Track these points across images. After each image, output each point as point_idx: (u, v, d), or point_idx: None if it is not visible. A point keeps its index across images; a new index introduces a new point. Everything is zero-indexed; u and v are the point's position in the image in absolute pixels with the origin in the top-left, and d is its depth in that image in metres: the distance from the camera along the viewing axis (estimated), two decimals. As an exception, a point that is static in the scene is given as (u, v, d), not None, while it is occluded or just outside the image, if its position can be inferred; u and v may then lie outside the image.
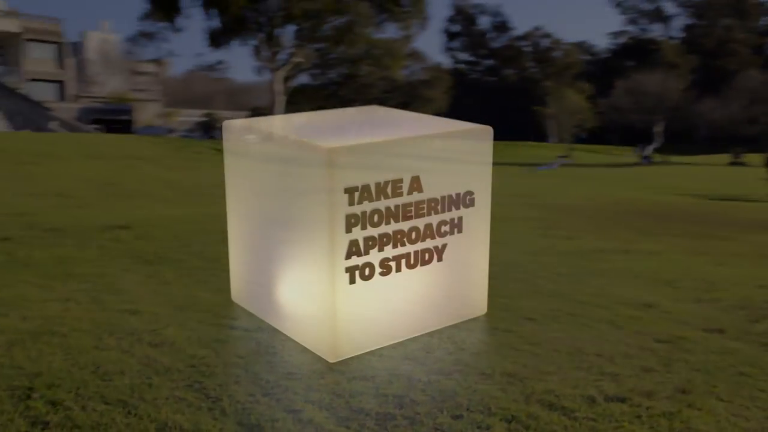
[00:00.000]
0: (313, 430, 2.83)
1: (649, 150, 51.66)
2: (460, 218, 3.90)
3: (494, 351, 3.81)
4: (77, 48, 77.74)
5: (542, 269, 5.88)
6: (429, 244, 3.80)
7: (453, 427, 2.89)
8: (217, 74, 65.92)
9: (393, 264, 3.68)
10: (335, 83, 66.86)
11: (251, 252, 4.12)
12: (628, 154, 52.14)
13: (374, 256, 3.60)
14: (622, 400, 3.19)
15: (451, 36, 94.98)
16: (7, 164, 14.07)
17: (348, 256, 3.50)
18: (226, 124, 4.13)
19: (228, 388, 3.18)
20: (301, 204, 3.55)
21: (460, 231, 3.91)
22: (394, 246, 3.66)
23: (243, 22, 46.64)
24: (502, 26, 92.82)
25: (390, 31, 55.76)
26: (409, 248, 3.73)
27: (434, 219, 3.79)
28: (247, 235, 4.13)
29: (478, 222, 4.00)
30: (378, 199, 3.54)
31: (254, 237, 4.07)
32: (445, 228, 3.85)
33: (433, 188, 3.74)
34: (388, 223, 3.61)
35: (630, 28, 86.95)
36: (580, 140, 66.07)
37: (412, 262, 3.76)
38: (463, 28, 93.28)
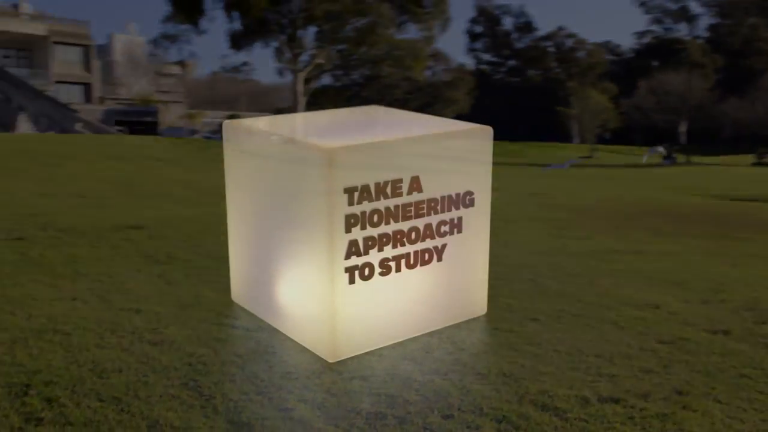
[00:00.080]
0: (301, 428, 2.85)
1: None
2: (460, 218, 3.90)
3: (493, 351, 3.81)
4: (104, 50, 78.26)
5: (551, 270, 5.86)
6: (429, 244, 3.81)
7: (442, 427, 2.90)
8: (242, 76, 66.16)
9: (392, 264, 3.69)
10: (358, 84, 66.93)
11: (251, 252, 4.15)
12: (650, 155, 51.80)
13: (374, 256, 3.61)
14: (617, 401, 3.19)
15: (474, 37, 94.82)
16: (29, 165, 14.20)
17: (347, 256, 3.52)
18: (226, 124, 4.16)
19: (223, 386, 3.20)
20: (301, 204, 3.57)
21: (459, 231, 3.92)
22: (394, 246, 3.68)
23: (264, 24, 46.80)
24: (525, 27, 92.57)
25: (411, 33, 55.76)
26: (409, 248, 3.74)
27: (434, 219, 3.80)
28: (247, 235, 4.16)
29: (477, 222, 4.01)
30: (377, 199, 3.55)
31: (254, 237, 4.09)
32: (444, 228, 3.86)
33: (433, 188, 3.75)
34: (387, 223, 3.62)
35: (655, 27, 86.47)
36: (603, 141, 65.81)
37: (411, 262, 3.77)
38: (486, 28, 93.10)
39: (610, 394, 3.27)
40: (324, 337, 3.58)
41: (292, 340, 3.78)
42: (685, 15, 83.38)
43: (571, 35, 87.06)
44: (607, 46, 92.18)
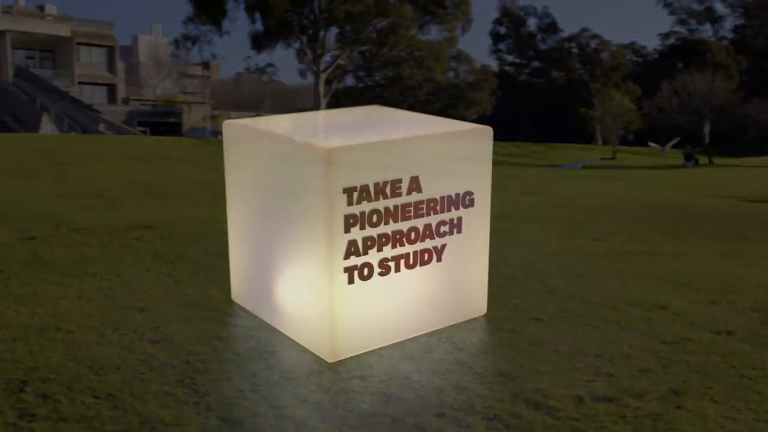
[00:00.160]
0: (292, 426, 2.86)
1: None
2: (460, 218, 3.91)
3: (493, 351, 3.82)
4: (129, 51, 78.83)
5: (561, 270, 5.85)
6: (428, 244, 3.82)
7: (432, 425, 2.90)
8: (266, 77, 66.42)
9: (392, 264, 3.70)
10: (380, 86, 67.05)
11: (251, 251, 4.17)
12: (672, 156, 51.58)
13: (373, 257, 3.62)
14: (610, 401, 3.18)
15: (498, 38, 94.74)
16: (48, 166, 14.32)
17: (347, 257, 3.52)
18: (226, 123, 4.18)
19: (218, 384, 3.23)
20: (300, 204, 3.59)
21: (459, 231, 3.92)
22: (393, 246, 3.68)
23: (286, 25, 46.97)
24: (550, 28, 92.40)
25: (433, 34, 55.81)
26: (408, 248, 3.75)
27: (433, 219, 3.80)
28: (247, 235, 4.18)
29: (477, 222, 4.01)
30: (377, 199, 3.56)
31: (254, 236, 4.11)
32: (444, 228, 3.86)
33: (433, 188, 3.76)
34: (387, 223, 3.62)
35: (679, 28, 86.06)
36: (626, 142, 65.59)
37: (411, 262, 3.77)
38: (510, 30, 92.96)
39: (605, 393, 3.26)
40: (323, 337, 3.59)
41: (292, 340, 3.80)
42: (710, 16, 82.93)
43: (595, 36, 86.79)
44: (632, 48, 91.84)
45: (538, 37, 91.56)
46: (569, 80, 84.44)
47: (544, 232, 8.41)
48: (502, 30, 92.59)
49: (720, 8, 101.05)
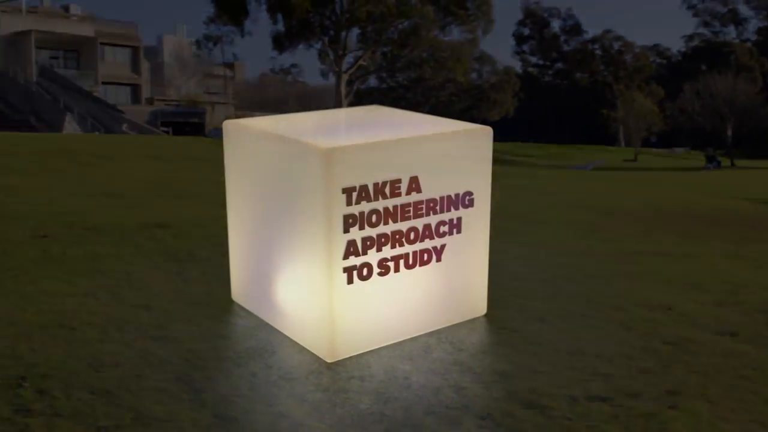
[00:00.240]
0: (287, 423, 2.89)
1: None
2: (459, 219, 3.92)
3: (493, 351, 3.83)
4: (153, 52, 79.20)
5: (570, 271, 5.86)
6: (428, 244, 3.83)
7: (425, 423, 2.92)
8: (291, 78, 66.55)
9: (391, 264, 3.71)
10: (403, 87, 67.05)
11: (250, 251, 4.19)
12: (694, 158, 51.27)
13: (372, 257, 3.63)
14: (605, 400, 3.19)
15: (522, 39, 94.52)
16: (68, 165, 14.42)
17: (346, 257, 3.54)
18: (225, 123, 4.21)
19: (215, 382, 3.26)
20: (299, 204, 3.61)
21: (459, 231, 3.93)
22: (393, 246, 3.70)
23: (308, 25, 47.05)
24: (573, 29, 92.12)
25: (455, 35, 55.79)
26: (408, 249, 3.76)
27: (433, 219, 3.81)
28: (247, 234, 4.20)
29: (477, 223, 4.02)
30: (376, 199, 3.57)
31: (253, 236, 4.13)
32: (444, 228, 3.87)
33: (432, 189, 3.77)
34: (386, 223, 3.64)
35: (703, 30, 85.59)
36: (649, 144, 65.28)
37: (410, 262, 3.78)
38: (534, 31, 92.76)
39: (600, 393, 3.27)
40: (322, 337, 3.60)
41: (291, 340, 3.82)
42: (734, 18, 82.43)
43: (618, 38, 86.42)
44: (656, 50, 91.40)
45: (562, 38, 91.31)
46: (593, 82, 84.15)
47: (559, 233, 8.41)
48: (526, 31, 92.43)
49: (744, 10, 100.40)
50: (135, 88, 68.85)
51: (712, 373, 3.58)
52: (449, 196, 3.85)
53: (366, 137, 3.70)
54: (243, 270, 4.32)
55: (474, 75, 69.38)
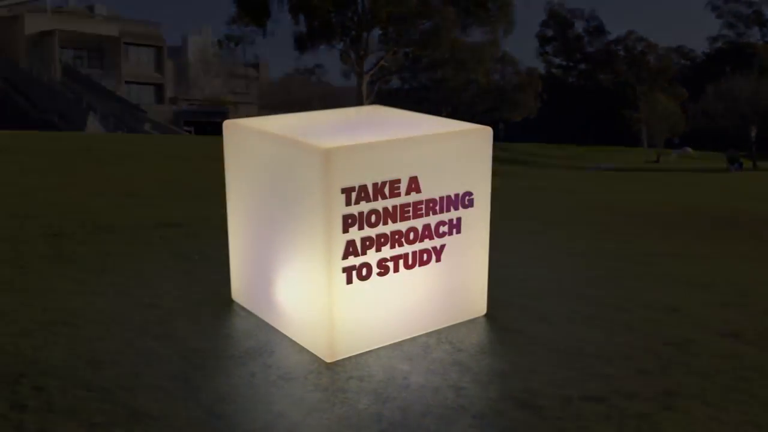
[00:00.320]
0: (283, 422, 2.91)
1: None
2: (459, 219, 3.92)
3: (493, 351, 3.83)
4: (177, 51, 79.60)
5: (580, 272, 5.84)
6: (427, 244, 3.84)
7: (418, 422, 2.94)
8: (315, 78, 66.66)
9: (391, 264, 3.72)
10: (425, 87, 67.03)
11: (250, 251, 4.22)
12: (717, 160, 50.96)
13: (372, 257, 3.64)
14: (599, 401, 3.19)
15: (545, 40, 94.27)
16: (88, 164, 14.50)
17: (345, 257, 3.55)
18: (225, 123, 4.23)
19: (213, 380, 3.28)
20: (299, 204, 3.62)
21: (458, 232, 3.93)
22: (392, 246, 3.71)
23: (329, 26, 47.12)
24: (597, 30, 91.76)
25: (476, 36, 55.71)
26: (407, 249, 3.77)
27: (432, 219, 3.82)
28: (247, 234, 4.23)
29: (477, 223, 4.02)
30: (375, 199, 3.58)
31: (253, 236, 4.15)
32: (443, 229, 3.88)
33: (432, 189, 3.77)
34: (385, 223, 3.65)
35: (727, 32, 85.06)
36: (672, 145, 64.93)
37: (410, 262, 3.79)
38: (557, 32, 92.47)
39: (595, 393, 3.27)
40: (321, 337, 3.62)
41: (290, 340, 3.84)
42: (758, 19, 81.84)
43: (641, 39, 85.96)
44: (680, 51, 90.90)
45: (585, 39, 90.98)
46: (616, 83, 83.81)
47: (573, 234, 8.38)
48: (549, 32, 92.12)
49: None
50: (158, 88, 69.23)
51: (712, 375, 3.57)
52: (449, 196, 3.85)
53: (365, 137, 3.70)
54: (243, 269, 4.34)
55: (497, 76, 69.31)
